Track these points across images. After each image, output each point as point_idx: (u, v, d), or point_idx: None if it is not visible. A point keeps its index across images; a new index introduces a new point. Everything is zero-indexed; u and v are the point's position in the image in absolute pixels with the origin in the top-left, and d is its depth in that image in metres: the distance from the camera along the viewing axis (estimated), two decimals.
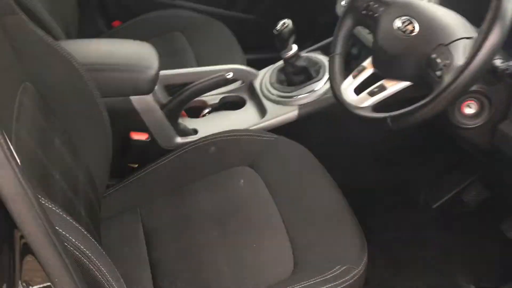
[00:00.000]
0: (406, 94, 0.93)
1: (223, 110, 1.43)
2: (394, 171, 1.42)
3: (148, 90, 1.17)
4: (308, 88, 1.35)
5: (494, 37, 0.76)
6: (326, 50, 1.40)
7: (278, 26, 1.28)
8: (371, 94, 0.94)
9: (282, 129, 1.33)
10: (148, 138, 1.23)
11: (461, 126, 0.95)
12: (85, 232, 0.64)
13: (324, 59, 1.41)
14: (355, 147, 1.36)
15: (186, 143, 1.24)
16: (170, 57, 1.60)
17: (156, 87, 1.25)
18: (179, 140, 1.29)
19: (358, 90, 0.99)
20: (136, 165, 1.25)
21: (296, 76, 1.37)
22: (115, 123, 1.11)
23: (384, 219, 1.44)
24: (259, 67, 1.51)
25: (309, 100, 1.34)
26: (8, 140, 0.41)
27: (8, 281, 0.44)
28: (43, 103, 0.92)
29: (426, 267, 1.40)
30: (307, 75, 1.37)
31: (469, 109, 0.94)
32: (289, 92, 1.36)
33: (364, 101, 0.95)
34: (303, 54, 1.42)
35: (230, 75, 1.26)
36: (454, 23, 0.87)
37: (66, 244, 0.56)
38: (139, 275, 1.03)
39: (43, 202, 0.57)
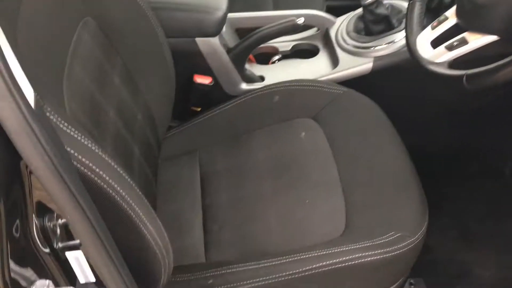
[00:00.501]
0: (491, 50, 0.80)
1: (294, 58, 1.36)
2: (477, 136, 1.28)
3: (214, 32, 1.14)
4: (387, 39, 1.23)
5: None
6: None
7: None
8: (450, 48, 0.83)
9: (353, 82, 1.24)
10: (211, 82, 1.21)
11: None
12: (118, 169, 0.63)
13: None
14: (432, 107, 1.24)
15: (250, 90, 1.21)
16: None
17: (224, 30, 1.21)
18: (243, 86, 1.25)
19: (436, 43, 0.87)
20: (199, 109, 1.25)
21: (375, 25, 1.25)
22: (179, 64, 1.10)
23: (460, 188, 1.32)
24: (340, 14, 1.40)
25: (386, 52, 1.22)
26: (12, 71, 0.40)
27: (22, 215, 0.45)
28: (105, 40, 0.92)
29: (503, 244, 1.28)
30: (388, 24, 1.25)
31: None
32: (365, 42, 1.25)
33: (441, 56, 0.84)
34: (387, 1, 1.30)
35: (301, 21, 1.18)
36: None
37: (90, 173, 0.56)
38: (191, 216, 1.04)
39: (70, 131, 0.57)
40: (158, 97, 1.08)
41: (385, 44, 1.23)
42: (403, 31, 1.22)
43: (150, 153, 1.03)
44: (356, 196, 0.97)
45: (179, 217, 1.06)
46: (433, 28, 0.89)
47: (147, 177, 0.98)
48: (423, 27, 0.92)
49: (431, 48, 0.87)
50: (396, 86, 1.22)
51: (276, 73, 1.31)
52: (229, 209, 1.03)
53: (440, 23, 0.88)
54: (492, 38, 0.79)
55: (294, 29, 1.20)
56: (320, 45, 1.37)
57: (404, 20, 1.24)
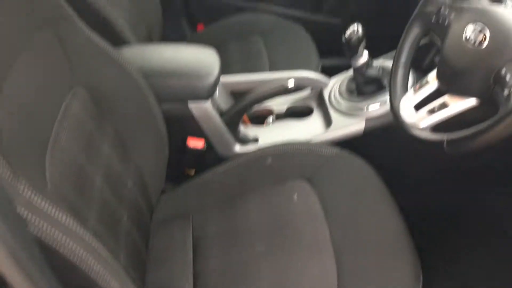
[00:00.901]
0: (472, 114, 0.80)
1: (288, 119, 1.37)
2: (475, 194, 1.26)
3: (206, 96, 1.16)
4: (379, 99, 1.25)
5: None
6: None
7: (347, 32, 1.19)
8: (432, 112, 0.83)
9: (347, 142, 1.24)
10: (205, 145, 1.22)
11: None
12: (96, 247, 0.63)
13: None
14: (426, 166, 1.23)
15: (244, 152, 1.22)
16: (245, 61, 1.60)
17: (217, 93, 1.24)
18: (237, 148, 1.26)
19: (419, 106, 0.88)
20: (193, 171, 1.25)
21: (366, 86, 1.27)
22: (172, 128, 1.12)
23: (459, 248, 1.28)
24: (333, 74, 1.43)
25: (378, 112, 1.24)
26: None
27: None
28: (95, 108, 0.94)
29: None
30: (379, 85, 1.27)
31: None
32: (357, 103, 1.27)
33: (423, 120, 0.84)
34: (376, 62, 1.32)
35: (291, 84, 1.20)
36: None
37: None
38: (180, 284, 1.02)
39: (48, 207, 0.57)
40: (151, 162, 1.09)
41: (377, 104, 1.24)
42: None
43: (141, 219, 1.03)
44: (348, 259, 0.95)
45: (169, 285, 1.04)
46: (415, 91, 0.90)
47: (136, 244, 0.97)
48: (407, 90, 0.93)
49: (414, 111, 0.88)
50: (389, 146, 1.22)
51: (270, 134, 1.32)
52: (220, 275, 1.01)
53: (422, 86, 0.89)
54: (472, 102, 0.79)
55: (285, 91, 1.22)
56: (314, 105, 1.39)
57: None
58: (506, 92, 0.69)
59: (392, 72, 0.96)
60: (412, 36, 0.95)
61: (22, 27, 0.76)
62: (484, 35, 0.78)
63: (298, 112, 1.40)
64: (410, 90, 0.91)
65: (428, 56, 1.30)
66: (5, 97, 0.66)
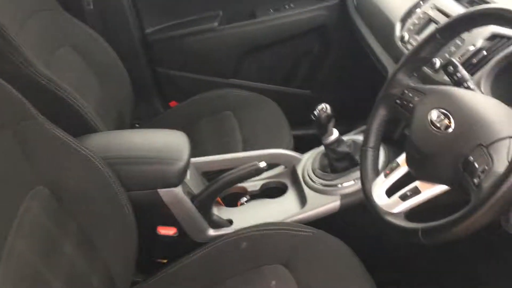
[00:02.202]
0: (446, 198, 0.79)
1: (262, 198, 1.34)
2: (457, 268, 1.23)
3: (176, 182, 1.13)
4: (353, 175, 1.23)
5: None
6: None
7: (316, 111, 1.20)
8: (403, 198, 0.81)
9: (323, 221, 1.21)
10: (176, 232, 1.18)
11: None
12: None
13: None
14: (405, 243, 1.20)
15: (218, 236, 1.17)
16: (218, 138, 1.59)
17: (189, 175, 1.21)
18: (211, 232, 1.22)
19: (391, 191, 0.86)
20: (165, 260, 1.20)
21: (339, 163, 1.26)
22: (141, 217, 1.08)
23: None
24: (310, 144, 1.43)
25: (353, 189, 1.22)
26: None
27: None
28: (58, 206, 0.90)
29: None
30: (351, 161, 1.26)
31: None
32: (331, 180, 1.25)
33: (396, 206, 0.82)
34: (347, 137, 1.32)
35: (263, 164, 1.19)
36: (497, 119, 0.74)
37: None
38: None
39: None
40: (119, 255, 1.04)
41: (351, 181, 1.23)
42: None
43: None
44: None
45: None
46: (386, 175, 0.88)
47: None
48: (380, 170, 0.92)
49: (386, 197, 0.86)
50: (365, 223, 1.19)
51: (245, 215, 1.28)
52: None
53: (392, 170, 0.88)
54: (442, 188, 0.78)
55: (258, 173, 1.20)
56: (288, 182, 1.37)
57: None
58: (476, 180, 0.68)
59: (362, 156, 0.95)
60: (378, 118, 0.95)
61: None
62: (449, 120, 0.78)
63: (273, 190, 1.38)
64: (381, 174, 0.90)
65: (399, 128, 1.31)
66: None
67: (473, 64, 1.01)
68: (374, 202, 0.86)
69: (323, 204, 1.23)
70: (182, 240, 1.19)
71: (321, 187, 1.26)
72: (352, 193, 1.21)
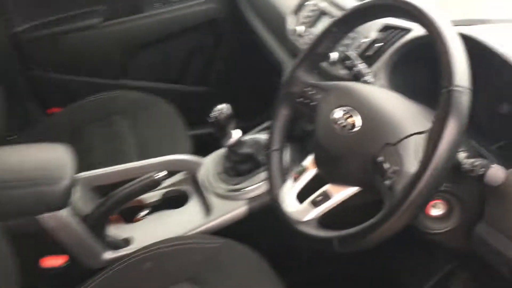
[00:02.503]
0: (358, 200, 0.75)
1: (164, 210, 1.24)
2: (373, 259, 1.23)
3: (61, 205, 0.99)
4: (258, 177, 1.17)
5: (450, 134, 0.59)
6: None
7: (214, 113, 1.12)
8: (315, 203, 0.77)
9: (231, 229, 1.14)
10: (68, 260, 1.03)
11: (429, 232, 0.77)
12: None
13: None
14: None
15: (117, 259, 1.05)
16: (108, 146, 1.45)
17: (77, 195, 1.07)
18: (108, 255, 1.09)
19: (302, 196, 0.81)
20: None
21: (242, 165, 1.20)
22: (22, 248, 0.92)
23: None
24: (212, 144, 1.35)
25: (260, 192, 1.16)
26: None
27: None
28: None
29: None
30: (255, 162, 1.20)
31: (436, 210, 0.76)
32: (235, 184, 1.18)
33: (308, 213, 0.77)
34: (248, 137, 1.26)
35: (162, 174, 1.08)
36: (401, 115, 0.71)
37: None
38: None
39: None
40: None
41: (256, 183, 1.17)
42: None
43: None
44: None
45: None
46: (295, 179, 0.83)
47: None
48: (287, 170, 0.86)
49: (297, 203, 0.81)
50: (276, 226, 1.14)
51: (146, 231, 1.17)
52: None
53: (300, 174, 0.83)
54: (353, 189, 0.74)
55: (155, 185, 1.09)
56: (190, 190, 1.27)
57: None
58: (387, 182, 0.65)
59: (267, 160, 0.89)
60: (281, 118, 0.89)
61: None
62: (354, 119, 0.74)
63: (174, 199, 1.28)
64: (289, 179, 0.84)
65: (298, 124, 1.28)
66: None
67: (369, 56, 0.99)
68: (285, 210, 0.81)
69: (229, 210, 1.16)
70: (74, 269, 1.05)
71: (225, 193, 1.19)
72: (258, 196, 1.16)
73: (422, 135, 0.68)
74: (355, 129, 0.73)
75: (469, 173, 0.65)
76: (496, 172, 0.62)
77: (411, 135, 0.68)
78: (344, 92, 0.80)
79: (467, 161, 0.66)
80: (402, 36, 0.96)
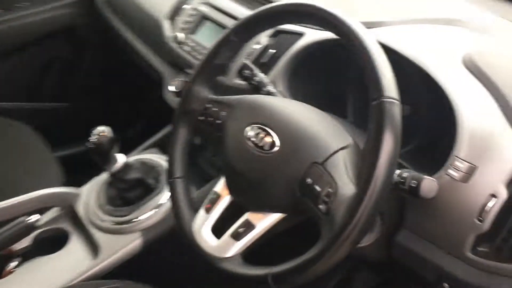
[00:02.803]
0: (284, 226, 0.68)
1: (39, 256, 1.03)
2: None
3: None
4: (151, 204, 1.04)
5: (387, 149, 0.55)
6: (165, 146, 1.14)
7: (92, 137, 0.96)
8: (236, 236, 0.68)
9: (126, 268, 1.00)
10: None
11: None
12: None
13: (164, 159, 1.12)
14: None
15: None
16: None
17: None
18: None
19: (220, 229, 0.71)
20: None
21: (130, 192, 1.05)
22: None
23: None
24: (82, 166, 1.17)
25: (155, 220, 1.03)
26: None
27: None
28: None
29: None
30: (145, 187, 1.07)
31: None
32: (125, 215, 1.04)
33: (230, 248, 0.68)
34: (133, 158, 1.12)
35: (35, 218, 0.90)
36: (321, 129, 0.66)
37: None
38: None
39: None
40: None
41: (150, 210, 1.04)
42: (167, 189, 1.07)
43: None
44: None
45: None
46: (207, 211, 0.73)
47: None
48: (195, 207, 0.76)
49: (214, 238, 0.71)
50: (176, 258, 1.03)
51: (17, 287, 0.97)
52: None
53: (213, 203, 0.73)
54: (278, 216, 0.67)
55: (30, 230, 0.90)
56: (69, 228, 1.08)
57: (161, 176, 1.09)
58: (322, 207, 0.59)
59: (171, 191, 0.77)
60: (180, 141, 0.78)
61: None
62: (271, 137, 0.67)
63: (50, 241, 1.08)
64: (201, 211, 0.74)
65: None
66: None
67: (263, 64, 0.93)
68: (201, 247, 0.70)
69: (121, 247, 1.01)
70: None
71: (113, 226, 1.03)
72: (154, 225, 1.03)
73: (348, 149, 0.63)
74: (275, 149, 0.66)
75: (400, 185, 0.62)
76: (430, 184, 0.60)
77: (337, 151, 0.63)
78: (252, 107, 0.72)
79: (395, 174, 0.63)
80: (296, 41, 0.92)
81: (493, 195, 0.63)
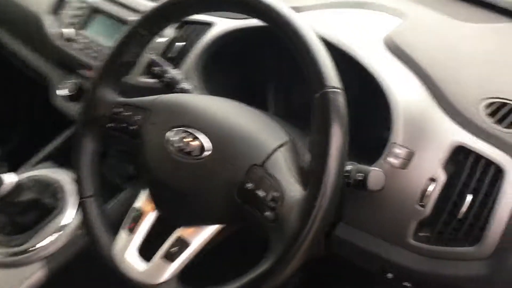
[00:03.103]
0: (225, 235, 0.61)
1: None
2: None
3: None
4: (52, 226, 0.91)
5: (336, 143, 0.51)
6: (61, 158, 1.01)
7: None
8: (170, 256, 0.59)
9: None
10: None
11: None
12: None
13: (61, 173, 0.99)
14: None
15: None
16: None
17: None
18: None
19: (149, 251, 0.62)
20: None
21: (24, 217, 0.91)
22: None
23: None
24: None
25: (59, 245, 0.90)
26: None
27: None
28: None
29: None
30: (43, 207, 0.92)
31: None
32: (20, 244, 0.89)
33: (163, 271, 0.59)
34: (24, 176, 0.97)
35: None
36: (255, 127, 0.60)
37: None
38: None
39: None
40: None
41: (52, 234, 0.90)
42: (68, 207, 0.94)
43: None
44: None
45: None
46: (131, 230, 0.63)
47: None
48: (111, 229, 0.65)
49: (142, 261, 0.61)
50: (94, 285, 0.91)
51: None
52: None
53: (137, 221, 0.63)
54: (215, 228, 0.60)
55: None
56: None
57: (59, 194, 0.96)
58: (269, 214, 0.53)
59: (83, 212, 0.66)
60: (87, 154, 0.67)
61: None
62: (199, 140, 0.59)
63: None
64: (122, 231, 0.64)
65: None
66: None
67: (172, 59, 0.85)
68: (127, 275, 0.61)
69: (19, 281, 0.86)
70: None
71: (7, 259, 0.88)
72: (59, 251, 0.89)
73: (286, 146, 0.58)
74: (205, 154, 0.58)
75: (344, 179, 0.58)
76: (378, 176, 0.57)
77: (276, 149, 0.57)
78: (172, 109, 0.63)
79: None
80: (205, 31, 0.85)
81: (432, 179, 0.62)
